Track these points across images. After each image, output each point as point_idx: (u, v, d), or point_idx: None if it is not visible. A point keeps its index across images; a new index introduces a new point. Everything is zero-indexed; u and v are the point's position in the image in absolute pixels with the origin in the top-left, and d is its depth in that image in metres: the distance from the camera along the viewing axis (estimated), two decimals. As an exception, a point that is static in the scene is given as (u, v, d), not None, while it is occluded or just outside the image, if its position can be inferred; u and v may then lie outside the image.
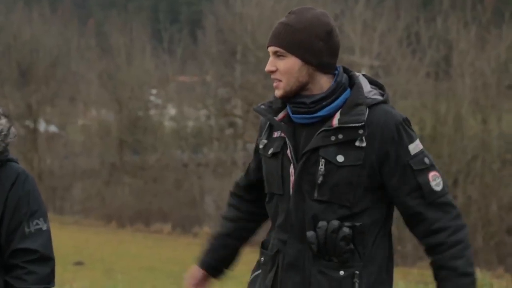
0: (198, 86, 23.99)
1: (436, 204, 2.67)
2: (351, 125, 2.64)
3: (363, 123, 2.65)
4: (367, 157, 2.65)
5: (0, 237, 2.76)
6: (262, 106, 2.80)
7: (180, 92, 25.55)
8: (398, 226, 16.52)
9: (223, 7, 22.33)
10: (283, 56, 2.69)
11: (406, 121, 2.71)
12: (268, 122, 2.80)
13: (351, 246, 2.63)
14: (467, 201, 18.62)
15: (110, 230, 20.42)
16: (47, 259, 2.78)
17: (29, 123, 24.54)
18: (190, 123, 24.69)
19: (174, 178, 23.69)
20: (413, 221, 2.71)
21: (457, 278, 2.66)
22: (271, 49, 2.71)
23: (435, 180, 2.68)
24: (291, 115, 2.74)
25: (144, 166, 23.94)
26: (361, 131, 2.65)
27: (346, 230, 2.62)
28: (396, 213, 2.81)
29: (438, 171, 2.71)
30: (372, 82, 2.78)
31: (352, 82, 2.74)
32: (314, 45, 2.68)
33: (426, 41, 19.80)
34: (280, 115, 2.75)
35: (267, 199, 2.81)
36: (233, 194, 2.98)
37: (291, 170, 2.70)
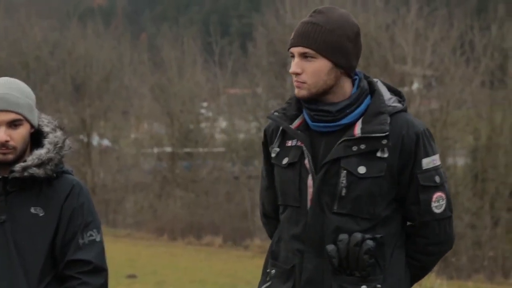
0: (249, 98, 24.04)
1: (430, 224, 2.61)
2: (374, 135, 2.54)
3: (387, 133, 2.54)
4: (388, 168, 2.56)
5: (55, 248, 2.78)
6: (276, 113, 2.67)
7: (231, 104, 25.66)
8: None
9: (274, 19, 22.38)
10: (312, 57, 2.57)
11: (427, 133, 2.60)
12: (280, 130, 2.67)
13: (373, 259, 2.55)
14: (525, 213, 18.17)
15: (162, 243, 20.57)
16: (100, 270, 2.79)
17: (82, 137, 24.94)
18: (241, 136, 24.76)
19: (225, 190, 23.76)
20: (409, 228, 2.68)
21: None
22: (297, 49, 2.57)
23: (438, 202, 2.60)
24: (309, 122, 2.61)
25: (196, 179, 24.08)
26: (384, 141, 2.54)
27: (369, 243, 2.53)
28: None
29: (446, 192, 2.62)
30: (390, 89, 2.67)
31: (372, 89, 2.63)
32: (345, 47, 2.56)
33: (480, 50, 19.48)
34: (296, 123, 2.63)
35: (280, 210, 2.69)
36: (264, 215, 2.85)
37: (309, 181, 2.59)
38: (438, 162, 2.62)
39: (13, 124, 2.73)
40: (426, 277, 9.41)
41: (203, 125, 25.69)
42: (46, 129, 2.82)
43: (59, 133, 2.83)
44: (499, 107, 19.23)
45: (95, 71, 25.24)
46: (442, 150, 18.64)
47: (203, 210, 23.03)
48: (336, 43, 2.56)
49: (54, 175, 2.77)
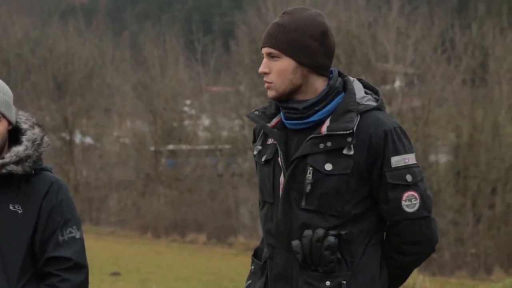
0: (232, 96, 24.03)
1: (402, 223, 2.60)
2: (339, 132, 2.56)
3: (351, 131, 2.56)
4: (355, 166, 2.58)
5: (34, 245, 2.77)
6: (256, 112, 2.74)
7: (214, 102, 25.64)
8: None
9: (256, 17, 22.39)
10: (277, 57, 2.62)
11: (397, 131, 2.59)
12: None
13: (338, 255, 2.56)
14: (506, 210, 18.33)
15: (146, 240, 20.53)
16: (80, 267, 2.79)
17: (65, 135, 24.81)
18: (224, 133, 24.74)
19: (209, 188, 23.74)
20: (386, 227, 2.67)
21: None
22: (264, 50, 2.63)
23: (410, 201, 2.58)
24: (284, 120, 2.67)
25: (179, 177, 24.04)
26: (349, 139, 2.57)
27: (331, 239, 2.55)
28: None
29: (420, 192, 2.58)
30: (367, 86, 2.69)
31: (346, 87, 2.66)
32: (309, 45, 2.59)
33: (461, 48, 19.60)
34: (274, 121, 2.69)
35: (260, 207, 2.75)
36: None
37: (282, 178, 2.64)
38: (411, 161, 2.59)
39: (-10, 121, 2.72)
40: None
41: (186, 122, 25.65)
42: (24, 126, 2.81)
43: (37, 130, 2.82)
44: (480, 105, 19.35)
45: (76, 69, 25.11)
46: (424, 147, 18.74)
47: (186, 207, 23.00)
48: (299, 42, 2.60)
49: (33, 172, 2.76)
